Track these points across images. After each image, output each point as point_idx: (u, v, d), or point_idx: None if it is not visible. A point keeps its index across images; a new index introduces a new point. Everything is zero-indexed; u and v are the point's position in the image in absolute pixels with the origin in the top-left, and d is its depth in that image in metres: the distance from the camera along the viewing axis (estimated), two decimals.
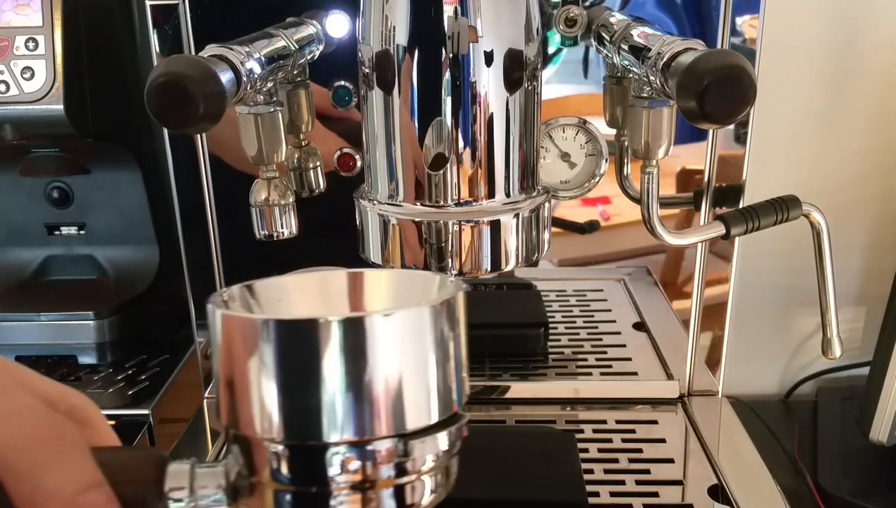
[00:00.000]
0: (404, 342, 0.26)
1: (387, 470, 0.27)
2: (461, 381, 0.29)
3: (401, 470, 0.27)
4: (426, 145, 0.48)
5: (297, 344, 0.25)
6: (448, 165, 0.49)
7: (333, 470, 0.26)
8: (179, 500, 0.28)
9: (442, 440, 0.28)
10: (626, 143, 0.66)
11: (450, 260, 0.50)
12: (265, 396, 0.26)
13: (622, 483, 0.64)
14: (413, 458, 0.27)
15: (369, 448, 0.26)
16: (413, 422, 0.27)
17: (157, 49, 0.68)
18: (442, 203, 0.49)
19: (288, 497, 0.27)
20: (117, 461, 0.28)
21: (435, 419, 0.27)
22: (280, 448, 0.27)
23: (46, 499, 0.26)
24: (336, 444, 0.26)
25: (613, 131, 0.66)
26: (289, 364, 0.26)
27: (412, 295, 0.32)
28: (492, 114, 0.48)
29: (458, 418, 0.29)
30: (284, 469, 0.27)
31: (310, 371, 0.25)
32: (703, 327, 0.75)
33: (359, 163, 0.70)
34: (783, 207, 0.60)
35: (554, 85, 0.68)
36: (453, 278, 0.31)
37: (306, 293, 0.32)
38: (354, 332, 0.25)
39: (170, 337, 0.85)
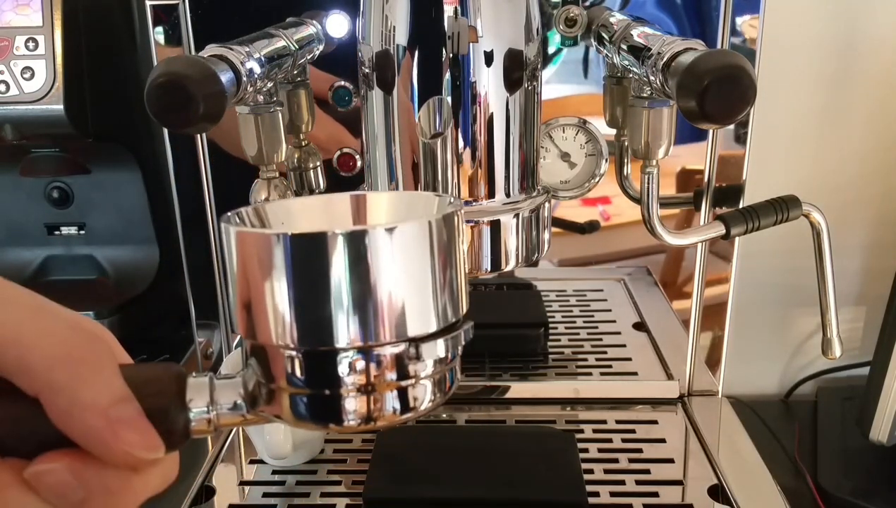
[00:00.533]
0: (406, 253, 0.28)
1: (391, 374, 0.29)
2: (459, 292, 0.30)
3: (404, 374, 0.29)
4: (426, 145, 0.48)
5: (308, 257, 0.27)
6: (448, 165, 0.49)
7: (343, 373, 0.29)
8: (201, 409, 0.30)
9: (441, 346, 0.29)
10: (626, 143, 0.66)
11: None
12: (279, 306, 0.28)
13: (622, 483, 0.64)
14: (415, 363, 0.29)
15: (375, 352, 0.28)
16: (415, 330, 0.29)
17: (157, 49, 0.68)
18: None
19: (303, 399, 0.29)
20: (140, 377, 0.29)
21: (435, 327, 0.29)
22: (294, 353, 0.29)
23: (82, 412, 0.27)
24: (345, 349, 0.28)
25: (613, 131, 0.66)
26: (299, 275, 0.27)
27: (413, 213, 0.33)
28: (492, 114, 0.48)
29: (459, 326, 0.30)
30: (298, 374, 0.29)
31: (319, 280, 0.27)
32: (703, 327, 0.75)
33: (359, 163, 0.70)
34: (783, 207, 0.60)
35: (554, 85, 0.68)
36: (452, 198, 0.32)
37: (311, 213, 0.34)
38: (360, 244, 0.27)
39: (170, 337, 0.85)
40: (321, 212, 0.34)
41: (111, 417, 0.27)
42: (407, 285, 0.28)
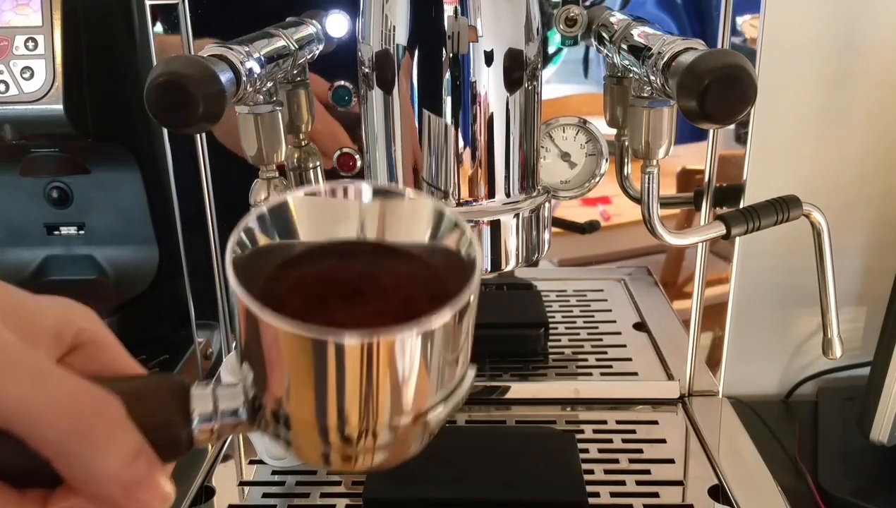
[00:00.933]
0: (418, 350, 0.27)
1: (392, 437, 0.29)
2: (467, 357, 0.30)
3: (396, 434, 0.29)
4: (426, 145, 0.48)
5: (313, 355, 0.26)
6: (448, 165, 0.48)
7: (345, 443, 0.28)
8: (204, 420, 0.30)
9: (443, 411, 0.29)
10: (627, 143, 0.66)
11: None
12: (271, 376, 0.27)
13: (622, 483, 0.64)
14: (407, 429, 0.29)
15: (378, 427, 0.28)
16: (417, 408, 0.28)
17: (157, 49, 0.68)
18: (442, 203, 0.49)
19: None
20: (143, 390, 0.29)
21: (437, 399, 0.29)
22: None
23: (100, 481, 0.27)
24: (347, 430, 0.28)
25: (613, 131, 0.66)
26: (304, 367, 0.27)
27: (422, 231, 0.32)
28: (492, 113, 0.48)
29: (460, 383, 0.30)
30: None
31: (319, 373, 0.26)
32: (704, 327, 0.75)
33: (359, 163, 0.70)
34: (783, 207, 0.60)
35: (554, 85, 0.68)
36: (471, 238, 0.30)
37: (318, 224, 0.32)
38: (370, 350, 0.26)
39: (170, 337, 0.84)
40: (329, 223, 0.32)
41: (126, 481, 0.27)
42: (413, 375, 0.27)
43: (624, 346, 0.81)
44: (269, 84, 0.52)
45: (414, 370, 0.27)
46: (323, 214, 0.32)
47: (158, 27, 0.67)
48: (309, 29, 0.60)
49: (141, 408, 0.28)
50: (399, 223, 0.32)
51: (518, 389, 0.77)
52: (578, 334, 0.83)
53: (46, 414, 0.26)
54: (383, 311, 0.29)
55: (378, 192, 0.32)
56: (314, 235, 0.32)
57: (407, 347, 0.26)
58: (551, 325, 0.82)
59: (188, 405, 0.29)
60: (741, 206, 0.63)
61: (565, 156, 0.69)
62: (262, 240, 0.30)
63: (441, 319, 0.26)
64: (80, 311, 0.32)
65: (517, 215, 0.50)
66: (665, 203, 0.70)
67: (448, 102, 0.47)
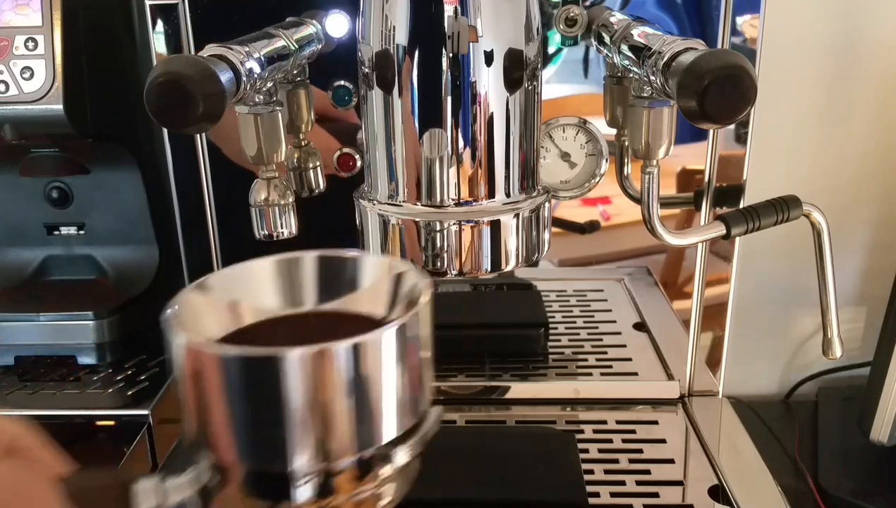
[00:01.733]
0: (362, 368, 0.26)
1: (350, 484, 0.28)
2: (424, 390, 0.29)
3: (364, 481, 0.28)
4: (426, 145, 0.48)
5: (256, 377, 0.26)
6: (448, 165, 0.48)
7: (299, 490, 0.27)
8: None
9: (403, 453, 0.28)
10: (627, 143, 0.66)
11: (450, 261, 0.50)
12: (228, 426, 0.26)
13: (622, 483, 0.64)
14: (373, 472, 0.28)
15: (332, 468, 0.27)
16: (374, 441, 0.27)
17: (157, 49, 0.68)
18: (442, 203, 0.49)
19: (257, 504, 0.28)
20: (85, 488, 0.28)
21: (396, 434, 0.28)
22: (246, 468, 0.27)
23: None
24: (301, 470, 0.27)
25: (613, 131, 0.66)
26: (248, 395, 0.26)
27: (376, 291, 0.31)
28: (492, 114, 0.48)
29: (421, 425, 0.29)
30: (251, 486, 0.28)
31: (269, 401, 0.26)
32: (704, 327, 0.75)
33: (359, 163, 0.70)
34: (784, 207, 0.60)
35: (554, 85, 0.68)
36: (420, 275, 0.30)
37: (263, 285, 0.32)
38: (312, 365, 0.25)
39: None
40: (273, 285, 0.31)
41: None
42: (364, 398, 0.26)
43: (624, 346, 0.81)
44: (269, 84, 0.51)
45: (359, 387, 0.26)
46: (273, 285, 0.32)
47: (159, 27, 0.67)
48: (309, 29, 0.60)
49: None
50: (352, 287, 0.32)
51: (518, 389, 0.77)
52: (578, 334, 0.83)
53: None
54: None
55: (326, 258, 0.32)
56: (264, 307, 0.31)
57: (348, 361, 0.26)
58: (551, 325, 0.82)
59: (129, 503, 0.29)
60: (741, 206, 0.63)
61: (565, 156, 0.69)
62: (206, 310, 0.30)
63: (384, 334, 0.26)
64: (7, 423, 0.31)
65: (517, 215, 0.50)
66: (665, 203, 0.70)
67: (448, 102, 0.47)
